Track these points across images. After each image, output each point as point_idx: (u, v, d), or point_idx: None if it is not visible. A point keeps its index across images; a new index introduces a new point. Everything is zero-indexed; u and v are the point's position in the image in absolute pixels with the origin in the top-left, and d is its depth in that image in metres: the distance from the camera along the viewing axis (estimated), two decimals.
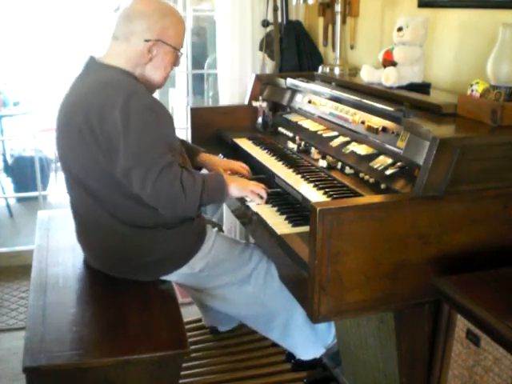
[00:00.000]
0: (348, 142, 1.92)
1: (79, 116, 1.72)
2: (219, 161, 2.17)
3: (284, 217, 1.70)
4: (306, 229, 1.54)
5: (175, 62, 1.90)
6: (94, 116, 1.68)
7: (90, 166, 1.75)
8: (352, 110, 1.98)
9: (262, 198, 1.83)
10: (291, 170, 1.97)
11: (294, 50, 2.90)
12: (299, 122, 2.28)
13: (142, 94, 1.74)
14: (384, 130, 1.75)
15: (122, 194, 1.75)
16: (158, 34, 1.79)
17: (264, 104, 2.58)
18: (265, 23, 2.93)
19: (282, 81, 2.51)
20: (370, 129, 1.82)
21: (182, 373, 1.95)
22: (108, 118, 1.67)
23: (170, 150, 1.73)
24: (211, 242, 1.94)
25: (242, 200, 1.90)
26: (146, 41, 1.79)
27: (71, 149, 1.79)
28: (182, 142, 2.16)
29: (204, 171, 2.17)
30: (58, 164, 5.25)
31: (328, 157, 1.95)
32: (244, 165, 2.11)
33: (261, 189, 1.85)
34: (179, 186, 1.68)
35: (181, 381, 1.94)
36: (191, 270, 1.91)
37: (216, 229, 2.03)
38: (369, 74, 2.13)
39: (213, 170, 2.11)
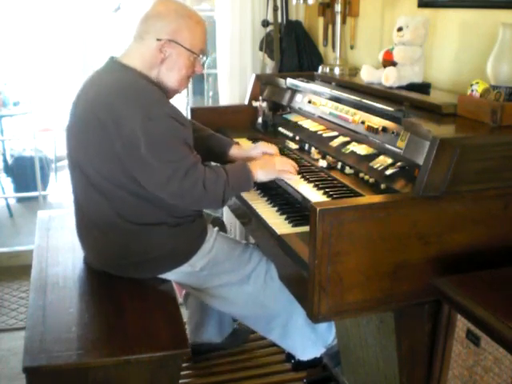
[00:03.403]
0: (348, 142, 1.92)
1: (93, 117, 1.73)
2: (251, 154, 2.05)
3: (284, 217, 1.70)
4: (305, 229, 1.54)
5: (194, 66, 1.88)
6: (109, 121, 1.69)
7: (98, 164, 1.77)
8: (352, 110, 1.98)
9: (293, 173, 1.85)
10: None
11: (294, 49, 2.90)
12: (299, 122, 2.28)
13: (161, 101, 1.75)
14: (384, 130, 1.75)
15: (128, 191, 1.77)
16: (170, 33, 1.79)
17: (264, 104, 2.58)
18: (265, 23, 2.93)
19: (281, 81, 2.51)
20: (369, 129, 1.82)
21: (182, 373, 1.96)
22: (126, 125, 1.67)
23: (191, 150, 1.77)
24: (212, 241, 1.95)
25: (242, 200, 1.90)
26: (158, 40, 1.79)
27: (81, 145, 1.81)
28: (212, 135, 2.17)
29: None
30: (58, 164, 5.27)
31: (328, 157, 1.95)
32: (272, 146, 2.05)
33: (289, 165, 1.87)
34: (201, 187, 1.72)
35: (181, 381, 1.94)
36: (192, 268, 1.91)
37: (217, 228, 2.03)
38: (369, 74, 2.13)
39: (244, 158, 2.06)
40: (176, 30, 1.80)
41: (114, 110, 1.70)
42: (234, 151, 2.13)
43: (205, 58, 1.94)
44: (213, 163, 2.12)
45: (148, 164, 1.69)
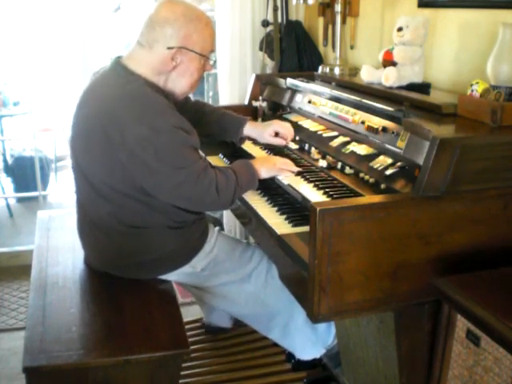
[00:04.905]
0: (348, 142, 1.92)
1: (97, 123, 1.71)
2: (264, 130, 2.13)
3: (284, 217, 1.70)
4: (305, 229, 1.54)
5: (204, 68, 1.85)
6: (113, 130, 1.67)
7: (100, 170, 1.76)
8: (352, 110, 1.98)
9: (291, 171, 1.89)
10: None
11: (294, 49, 2.90)
12: (299, 122, 2.27)
13: (166, 112, 1.70)
14: (384, 129, 1.75)
15: (129, 197, 1.76)
16: (181, 41, 1.75)
17: (264, 104, 2.57)
18: (265, 23, 2.93)
19: (281, 81, 2.51)
20: (369, 129, 1.82)
21: (182, 373, 1.95)
22: (131, 135, 1.65)
23: (199, 155, 1.76)
24: (213, 241, 1.95)
25: (242, 200, 1.90)
26: (169, 48, 1.74)
27: (84, 150, 1.80)
28: (225, 114, 2.19)
29: None
30: (58, 164, 5.27)
31: (328, 157, 1.95)
32: (283, 123, 2.14)
33: (288, 164, 1.90)
34: (214, 191, 1.72)
35: (181, 381, 1.94)
36: (193, 269, 1.91)
37: (218, 228, 2.03)
38: (369, 74, 2.13)
39: (258, 137, 2.16)
40: (186, 35, 1.75)
41: (118, 119, 1.67)
42: (248, 130, 2.16)
43: (214, 57, 1.91)
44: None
45: (158, 172, 1.68)
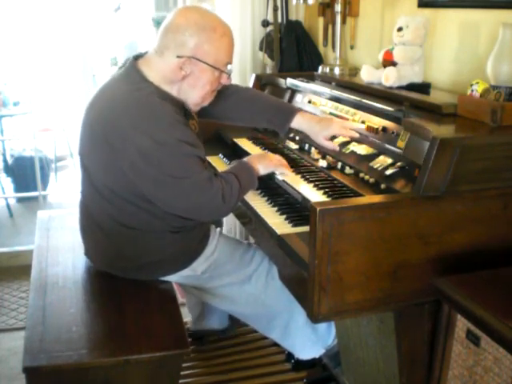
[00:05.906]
0: (348, 142, 1.92)
1: (100, 130, 1.70)
2: (321, 132, 1.93)
3: (284, 217, 1.70)
4: (305, 229, 1.54)
5: (219, 79, 1.78)
6: (115, 137, 1.66)
7: (102, 173, 1.76)
8: (352, 110, 1.98)
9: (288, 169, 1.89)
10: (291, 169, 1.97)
11: (294, 49, 2.89)
12: None
13: (171, 125, 1.66)
14: (384, 130, 1.75)
15: (129, 202, 1.76)
16: (191, 50, 1.68)
17: None
18: (265, 23, 2.93)
19: (281, 81, 2.51)
20: (370, 129, 1.82)
21: (182, 373, 1.95)
22: (133, 145, 1.63)
23: (204, 165, 1.72)
24: (214, 244, 1.94)
25: (242, 200, 1.90)
26: (179, 57, 1.69)
27: (89, 151, 1.80)
28: (269, 107, 2.05)
29: None
30: (58, 164, 5.27)
31: (328, 157, 1.95)
32: (345, 124, 1.92)
33: (282, 161, 1.90)
34: (220, 200, 1.69)
35: (181, 381, 1.94)
36: (193, 272, 1.91)
37: (219, 229, 2.03)
38: (369, 74, 2.13)
39: (310, 135, 1.98)
40: (198, 45, 1.68)
41: (121, 128, 1.65)
42: (300, 123, 1.99)
43: (231, 69, 1.81)
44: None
45: (160, 182, 1.65)
